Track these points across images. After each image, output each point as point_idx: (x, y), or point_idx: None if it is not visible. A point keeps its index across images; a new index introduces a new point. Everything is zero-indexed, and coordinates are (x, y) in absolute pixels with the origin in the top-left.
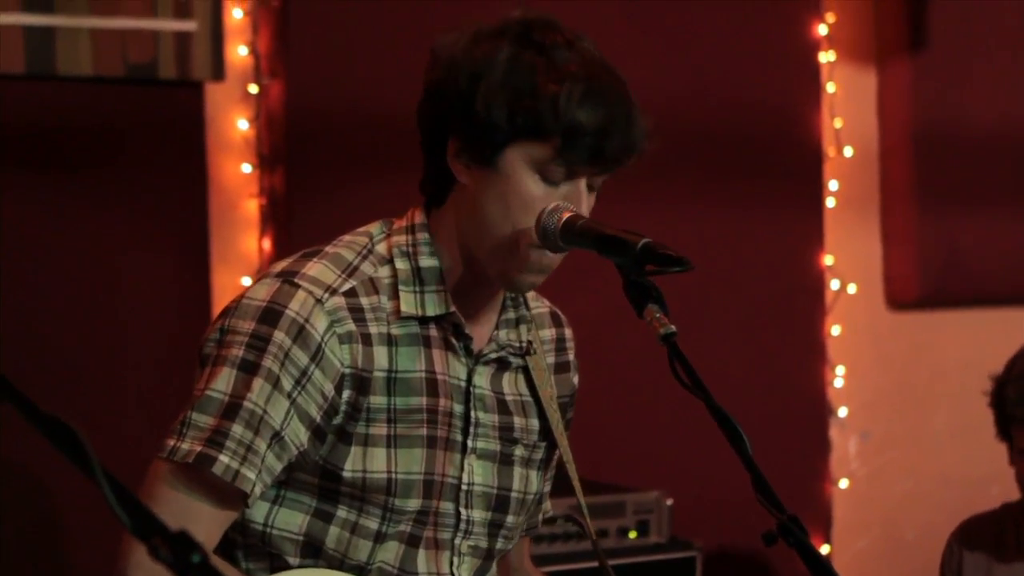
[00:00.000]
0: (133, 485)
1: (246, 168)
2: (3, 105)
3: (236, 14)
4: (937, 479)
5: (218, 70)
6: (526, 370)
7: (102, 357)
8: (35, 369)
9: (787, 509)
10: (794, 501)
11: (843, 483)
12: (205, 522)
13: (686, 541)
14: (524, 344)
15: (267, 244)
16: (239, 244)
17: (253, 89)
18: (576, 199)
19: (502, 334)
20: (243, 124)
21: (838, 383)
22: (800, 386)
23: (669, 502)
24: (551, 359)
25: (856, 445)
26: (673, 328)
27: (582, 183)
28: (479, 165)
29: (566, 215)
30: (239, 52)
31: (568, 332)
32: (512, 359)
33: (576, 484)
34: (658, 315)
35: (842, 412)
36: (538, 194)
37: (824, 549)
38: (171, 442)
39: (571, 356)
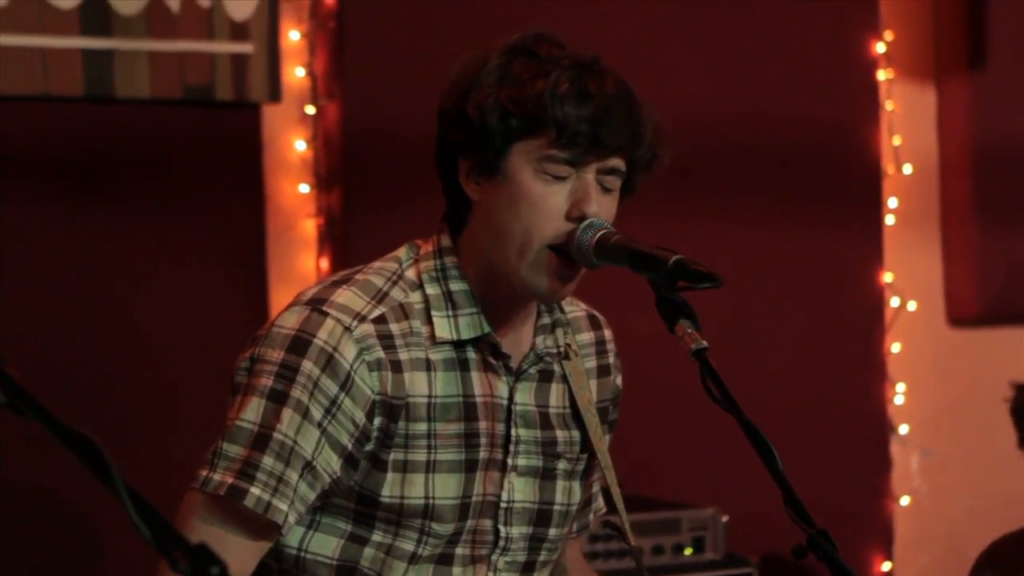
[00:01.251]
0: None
1: (303, 188)
2: (63, 128)
3: (293, 36)
4: (999, 496)
5: (275, 92)
6: (567, 378)
7: (161, 377)
8: (93, 389)
9: (816, 523)
10: (855, 518)
11: (904, 500)
12: (239, 552)
13: (742, 557)
14: (562, 348)
15: (324, 263)
16: (297, 264)
17: (310, 110)
18: (584, 194)
19: (539, 341)
20: (300, 145)
21: (899, 400)
22: (861, 403)
23: (725, 519)
24: (591, 363)
25: (918, 462)
26: (704, 344)
27: (589, 178)
28: (487, 177)
29: (600, 232)
30: (296, 74)
31: (608, 333)
32: (554, 367)
33: (615, 490)
34: (690, 331)
35: (903, 429)
36: (544, 191)
37: (886, 566)
38: (203, 472)
39: (612, 358)
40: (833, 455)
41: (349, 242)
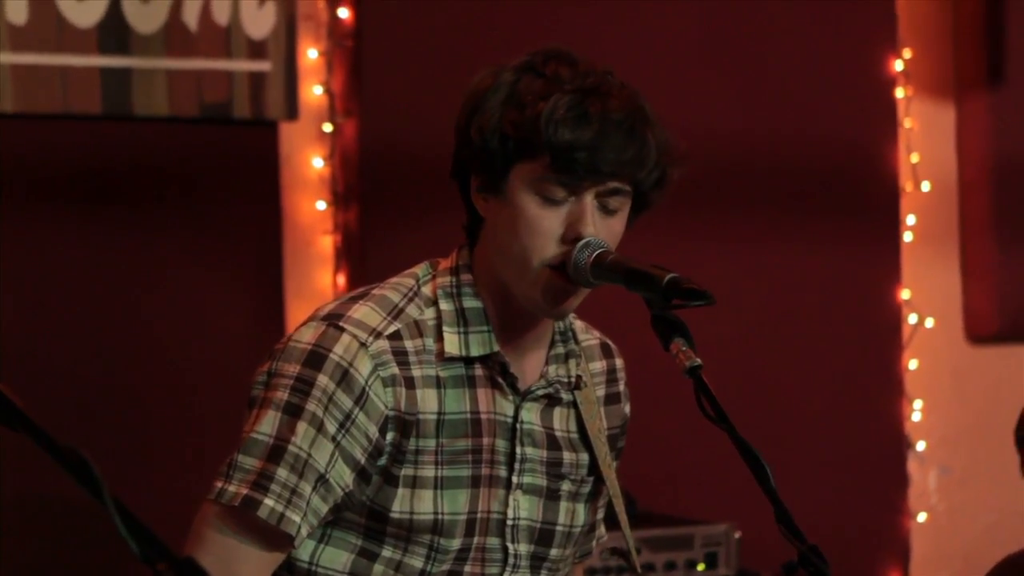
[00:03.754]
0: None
1: (320, 205)
2: (81, 145)
3: (311, 54)
4: (1017, 514)
5: (292, 110)
6: (575, 405)
7: (179, 392)
8: (112, 403)
9: (807, 539)
10: (872, 535)
11: (921, 517)
12: (252, 563)
13: (754, 573)
14: (573, 379)
15: (341, 280)
16: (314, 280)
17: (327, 128)
18: (580, 217)
19: (551, 370)
20: (318, 162)
21: (916, 417)
22: (878, 420)
23: (738, 535)
24: (601, 391)
25: (935, 479)
26: (699, 361)
27: (587, 201)
28: (493, 196)
29: (597, 251)
30: (313, 92)
31: (619, 362)
32: (563, 395)
33: (623, 518)
34: (684, 348)
35: (920, 446)
36: (540, 214)
37: None
38: (218, 484)
39: (622, 386)
40: (850, 471)
41: (366, 259)
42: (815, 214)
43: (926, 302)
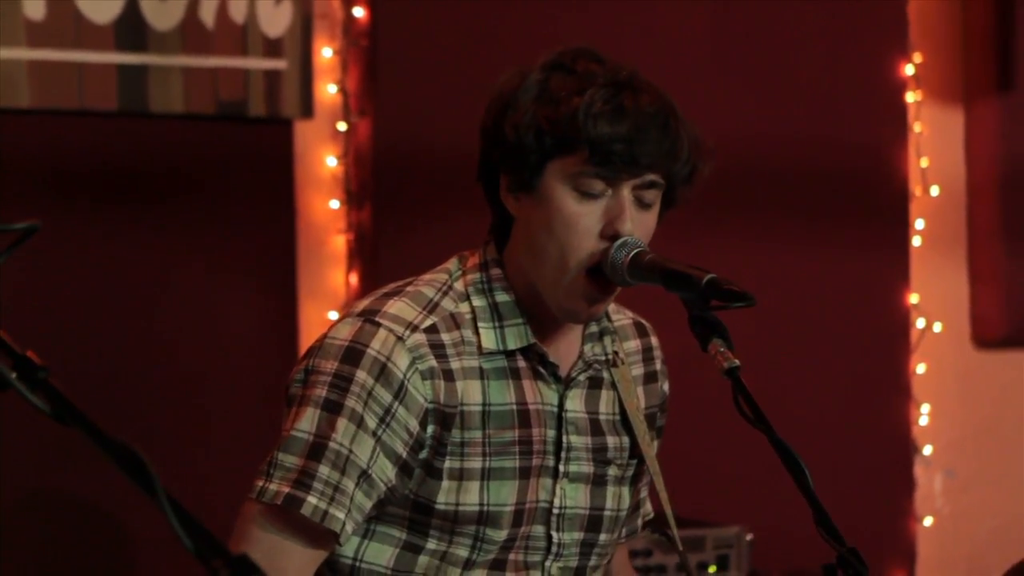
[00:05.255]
0: (211, 521)
1: (334, 204)
2: (97, 142)
3: (326, 53)
4: (1023, 518)
5: (307, 108)
6: (615, 386)
7: (190, 390)
8: (119, 402)
9: (847, 542)
10: (878, 538)
11: (928, 521)
12: (296, 562)
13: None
14: (611, 355)
15: (354, 279)
16: (326, 279)
17: (342, 127)
18: (619, 212)
19: (587, 349)
20: (331, 161)
21: (923, 421)
22: (885, 424)
23: (749, 537)
24: (638, 370)
25: (941, 483)
26: (737, 362)
27: (624, 195)
28: (526, 194)
29: (634, 250)
30: (328, 91)
31: (654, 340)
32: (603, 374)
33: (663, 496)
34: (722, 349)
35: (927, 450)
36: (578, 210)
37: None
38: (259, 483)
39: (659, 365)
40: (857, 475)
41: (379, 258)
42: (824, 217)
43: (934, 306)
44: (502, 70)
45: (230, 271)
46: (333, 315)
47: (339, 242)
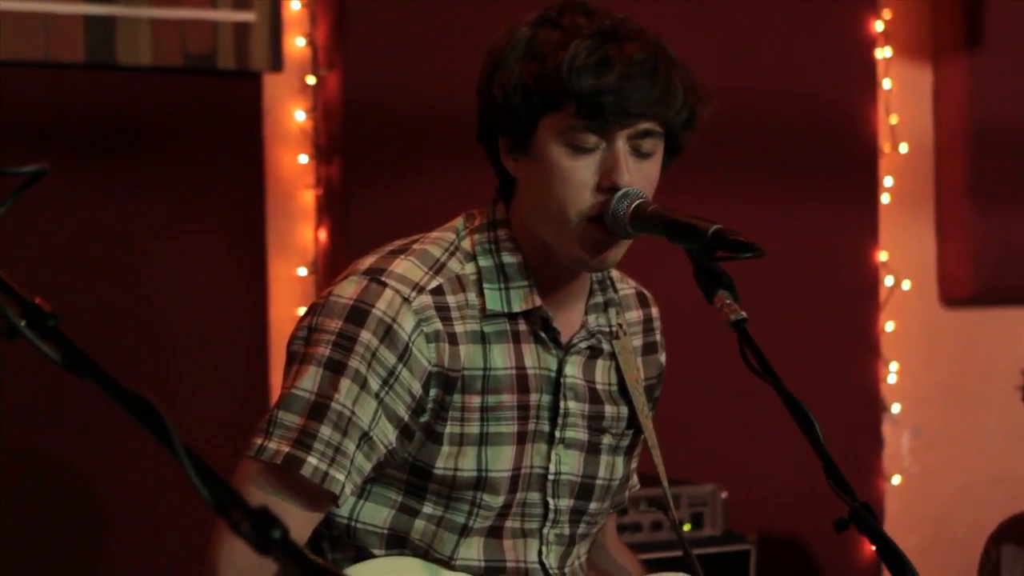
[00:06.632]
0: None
1: (303, 159)
2: (64, 94)
3: (294, 6)
4: (989, 477)
5: (276, 61)
6: (615, 356)
7: (157, 346)
8: (90, 353)
9: (858, 496)
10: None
11: (895, 479)
12: (294, 521)
13: (740, 534)
14: (614, 328)
15: (323, 235)
16: (295, 235)
17: (311, 80)
18: (614, 164)
19: (591, 319)
20: (300, 115)
21: (891, 379)
22: (853, 382)
23: (724, 495)
24: (638, 341)
25: (908, 442)
26: (744, 314)
27: (619, 147)
28: (523, 154)
29: (636, 201)
30: (297, 43)
31: (655, 311)
32: (604, 345)
33: (661, 470)
34: (728, 301)
35: (895, 408)
36: (572, 165)
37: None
38: (258, 440)
39: (658, 336)
40: (825, 433)
41: (348, 213)
42: (793, 174)
43: (903, 264)
44: (472, 23)
45: (198, 226)
46: (302, 271)
47: (308, 197)
